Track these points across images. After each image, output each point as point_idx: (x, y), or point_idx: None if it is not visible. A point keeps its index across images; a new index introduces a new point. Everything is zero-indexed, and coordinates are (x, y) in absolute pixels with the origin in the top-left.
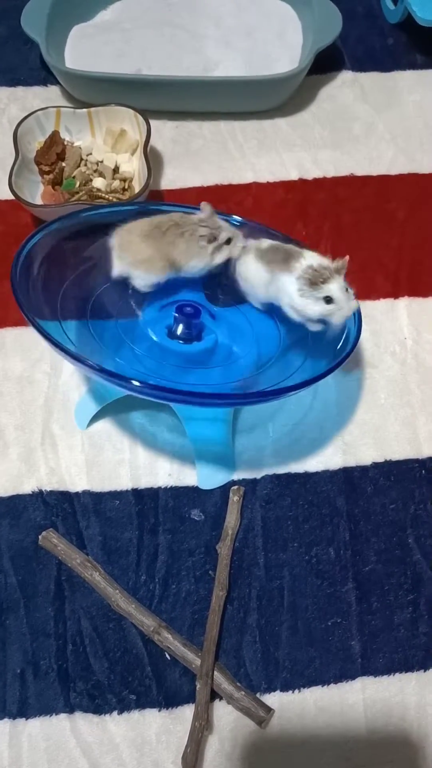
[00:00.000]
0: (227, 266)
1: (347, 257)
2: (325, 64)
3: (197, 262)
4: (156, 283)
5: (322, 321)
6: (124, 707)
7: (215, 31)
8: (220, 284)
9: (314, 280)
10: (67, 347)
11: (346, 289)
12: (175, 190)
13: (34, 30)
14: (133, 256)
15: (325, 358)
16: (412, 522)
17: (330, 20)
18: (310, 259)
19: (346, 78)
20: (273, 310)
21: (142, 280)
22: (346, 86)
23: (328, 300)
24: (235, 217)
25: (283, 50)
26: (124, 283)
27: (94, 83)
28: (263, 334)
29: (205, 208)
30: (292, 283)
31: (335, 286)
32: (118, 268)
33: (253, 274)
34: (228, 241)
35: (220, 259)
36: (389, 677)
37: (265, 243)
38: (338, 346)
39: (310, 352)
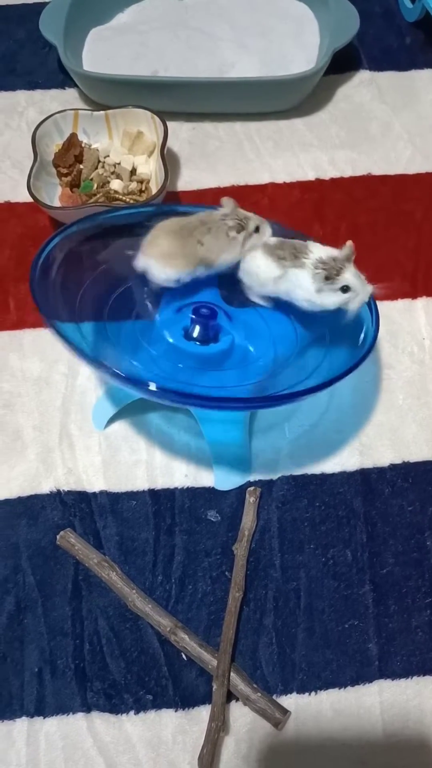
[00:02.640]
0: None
1: (350, 242)
2: (342, 63)
3: (228, 254)
4: (174, 279)
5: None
6: (140, 707)
7: (231, 32)
8: (237, 284)
9: (329, 274)
10: (85, 350)
11: (359, 276)
12: (192, 192)
13: (52, 33)
14: (154, 250)
15: (342, 359)
16: (431, 524)
17: (347, 20)
18: (317, 251)
19: (363, 77)
20: (289, 310)
21: (158, 272)
22: (363, 86)
23: (345, 289)
24: None
25: (299, 50)
26: (141, 285)
27: (112, 85)
28: (280, 335)
29: (227, 202)
30: (306, 280)
31: (349, 275)
32: (140, 262)
33: (264, 270)
34: (257, 230)
35: (249, 247)
36: (407, 680)
37: (272, 239)
38: (356, 346)
39: (327, 353)
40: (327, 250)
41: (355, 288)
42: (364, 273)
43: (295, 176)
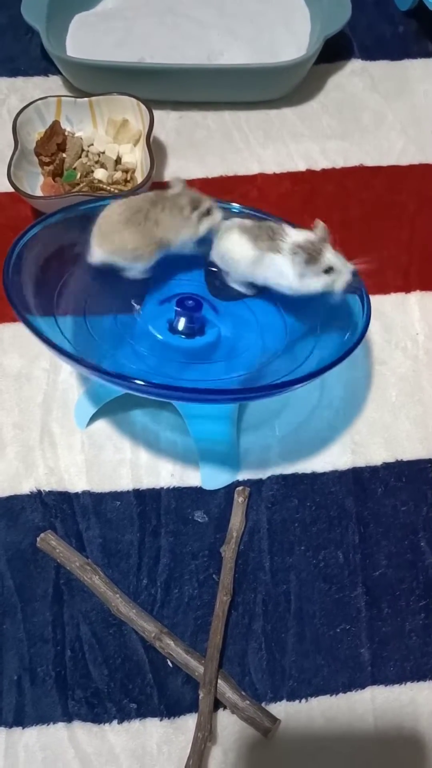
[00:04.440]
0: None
1: (321, 222)
2: (333, 52)
3: (186, 232)
4: (144, 269)
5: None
6: (124, 716)
7: (220, 19)
8: (223, 275)
9: (311, 257)
10: (57, 344)
11: (338, 255)
12: None
13: (35, 18)
14: (114, 245)
15: (331, 350)
16: (425, 524)
17: (339, 7)
18: (293, 234)
19: (355, 67)
20: (278, 301)
21: (127, 266)
22: (355, 75)
23: (328, 270)
24: (234, 204)
25: (290, 38)
26: (122, 276)
27: (96, 72)
28: (268, 327)
29: (176, 182)
30: (287, 267)
31: (330, 255)
32: (99, 256)
33: (239, 250)
34: (208, 211)
35: (204, 228)
36: (400, 686)
37: (248, 221)
38: (346, 337)
39: (317, 345)
40: (302, 233)
41: (338, 268)
42: (356, 265)
43: (286, 167)
